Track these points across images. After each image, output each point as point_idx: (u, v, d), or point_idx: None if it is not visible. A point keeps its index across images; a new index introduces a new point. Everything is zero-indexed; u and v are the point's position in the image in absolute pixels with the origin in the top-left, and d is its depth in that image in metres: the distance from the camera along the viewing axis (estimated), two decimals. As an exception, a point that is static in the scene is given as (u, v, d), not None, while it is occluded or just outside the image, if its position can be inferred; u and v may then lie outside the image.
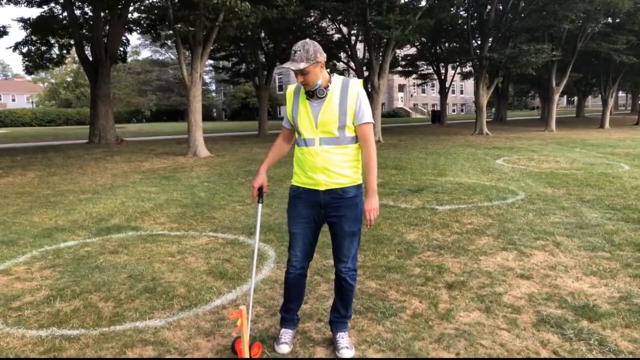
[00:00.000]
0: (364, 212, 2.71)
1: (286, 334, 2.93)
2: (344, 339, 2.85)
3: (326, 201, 2.70)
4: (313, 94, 2.63)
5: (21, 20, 19.24)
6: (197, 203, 7.41)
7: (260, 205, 2.89)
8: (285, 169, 11.03)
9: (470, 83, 60.42)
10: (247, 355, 2.67)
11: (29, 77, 54.59)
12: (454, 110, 72.03)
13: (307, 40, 2.57)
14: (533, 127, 29.50)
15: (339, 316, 2.91)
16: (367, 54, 22.44)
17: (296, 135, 2.76)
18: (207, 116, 54.17)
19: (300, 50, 2.52)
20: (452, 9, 25.41)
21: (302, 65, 2.51)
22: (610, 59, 25.60)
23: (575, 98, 54.59)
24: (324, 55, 2.63)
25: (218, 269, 4.30)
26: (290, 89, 2.78)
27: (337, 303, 2.92)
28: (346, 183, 2.68)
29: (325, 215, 2.75)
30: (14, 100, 73.57)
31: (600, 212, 6.26)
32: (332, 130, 2.62)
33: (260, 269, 4.31)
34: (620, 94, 67.05)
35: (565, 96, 73.12)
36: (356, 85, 2.66)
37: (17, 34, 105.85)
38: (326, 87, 2.63)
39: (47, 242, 5.34)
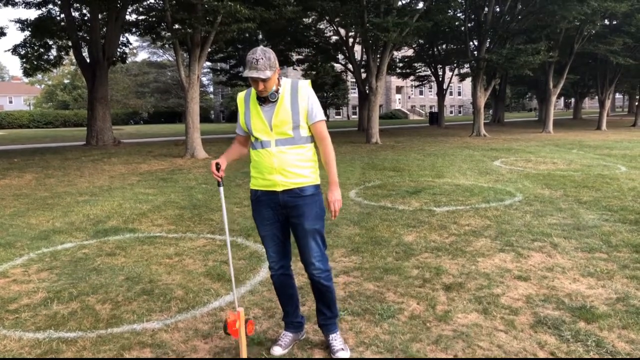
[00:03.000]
0: (328, 204, 2.73)
1: (285, 337, 2.92)
2: (337, 341, 2.85)
3: (285, 201, 2.70)
4: (265, 99, 2.65)
5: (19, 21, 19.20)
6: (195, 205, 7.41)
7: (221, 188, 2.79)
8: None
9: (467, 85, 60.60)
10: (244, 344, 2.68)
11: (26, 79, 54.47)
12: (451, 112, 72.16)
13: (263, 47, 2.58)
14: (530, 129, 29.56)
15: (326, 317, 2.89)
16: (364, 56, 22.50)
17: (252, 139, 2.74)
18: (204, 118, 54.21)
19: (262, 59, 2.51)
20: (449, 11, 25.47)
21: (268, 73, 2.52)
22: (607, 61, 25.66)
23: (573, 100, 54.72)
24: None
25: (215, 270, 4.30)
26: (241, 96, 2.79)
27: (319, 305, 2.89)
28: (304, 183, 2.71)
29: (286, 216, 2.75)
30: (11, 102, 73.40)
31: (597, 213, 6.27)
32: (286, 131, 2.65)
33: (257, 270, 4.31)
34: (618, 95, 67.26)
35: (562, 98, 73.30)
36: (305, 86, 2.71)
37: (14, 35, 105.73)
38: (277, 91, 2.65)
39: (45, 244, 5.33)
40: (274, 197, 2.71)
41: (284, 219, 2.77)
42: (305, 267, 2.80)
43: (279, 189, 2.69)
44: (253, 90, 2.68)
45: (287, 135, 2.66)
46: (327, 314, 2.88)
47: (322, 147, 2.77)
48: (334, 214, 2.73)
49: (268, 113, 2.66)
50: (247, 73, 2.54)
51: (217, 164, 2.71)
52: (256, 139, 2.70)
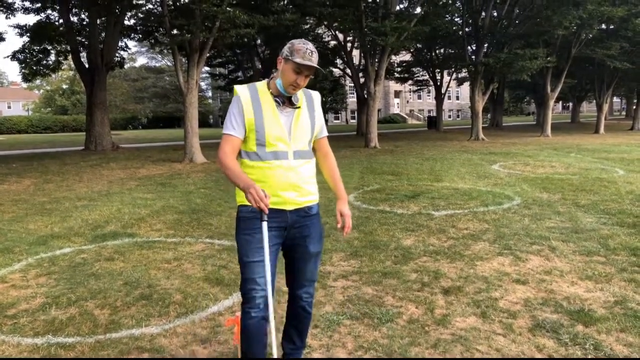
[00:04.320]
0: (344, 218, 2.58)
1: None
2: None
3: (293, 221, 2.38)
4: (284, 100, 2.34)
5: (17, 26, 19.24)
6: (194, 209, 7.41)
7: (265, 224, 2.21)
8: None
9: (466, 89, 60.70)
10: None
11: (24, 85, 54.56)
12: (450, 116, 72.30)
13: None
14: (529, 133, 29.63)
15: (295, 347, 2.64)
16: (363, 61, 22.55)
17: (254, 147, 2.32)
18: (203, 123, 54.18)
19: (315, 52, 2.29)
20: (447, 15, 25.58)
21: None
22: (604, 65, 25.78)
23: (570, 104, 54.88)
24: None
25: (214, 275, 4.29)
26: (243, 90, 2.35)
27: (291, 332, 2.62)
28: (313, 200, 2.49)
29: (287, 237, 2.42)
30: (9, 107, 73.39)
31: (595, 216, 6.29)
32: (306, 143, 2.41)
33: (256, 275, 4.30)
34: (616, 99, 67.46)
35: (560, 102, 73.50)
36: (318, 97, 2.54)
37: (13, 40, 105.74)
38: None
39: (43, 249, 5.33)
40: (280, 217, 2.35)
41: (282, 242, 2.43)
42: (295, 288, 2.56)
43: (289, 207, 2.37)
44: (261, 87, 2.35)
45: (305, 148, 2.41)
46: (297, 344, 2.63)
47: (329, 162, 2.64)
48: (348, 229, 2.59)
49: (287, 118, 2.34)
50: (302, 61, 2.22)
51: (263, 190, 2.14)
52: (263, 146, 2.31)
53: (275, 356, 2.20)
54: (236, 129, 2.31)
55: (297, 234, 2.43)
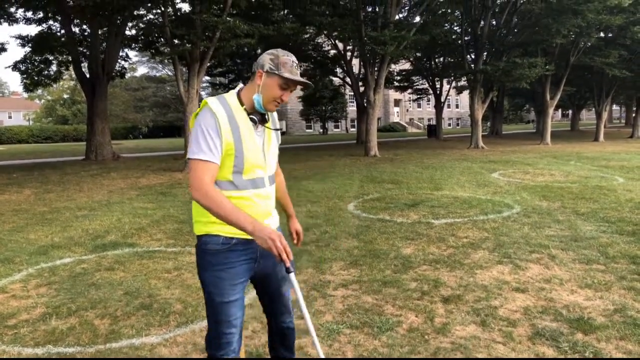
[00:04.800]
0: (297, 234, 2.46)
1: None
2: None
3: (263, 250, 2.00)
4: (260, 119, 2.10)
5: (19, 37, 19.38)
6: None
7: (293, 275, 1.99)
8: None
9: (465, 97, 60.90)
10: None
11: (25, 95, 54.77)
12: (449, 125, 72.45)
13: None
14: (528, 141, 29.68)
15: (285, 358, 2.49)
16: (362, 69, 22.65)
17: (226, 175, 2.03)
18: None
19: (298, 65, 2.11)
20: (446, 25, 25.74)
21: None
22: (603, 73, 25.89)
23: (570, 111, 55.02)
24: None
25: (214, 284, 4.30)
26: (218, 106, 2.01)
27: (277, 347, 2.46)
28: (277, 223, 2.30)
29: (257, 268, 2.18)
30: (10, 117, 73.63)
31: (594, 224, 6.29)
32: (275, 165, 2.26)
33: (256, 284, 4.31)
34: (615, 107, 67.64)
35: (560, 110, 73.68)
36: (275, 111, 2.24)
37: (15, 50, 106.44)
38: None
39: (43, 259, 5.34)
40: (252, 247, 2.08)
41: (252, 275, 2.19)
42: (277, 318, 2.37)
43: None
44: (233, 103, 2.04)
45: (273, 171, 2.23)
46: (287, 355, 2.49)
47: (280, 179, 2.49)
48: (300, 244, 2.50)
49: (260, 139, 2.11)
50: (292, 76, 2.02)
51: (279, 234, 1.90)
52: (242, 175, 2.05)
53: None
54: (214, 153, 1.94)
55: (269, 262, 2.18)
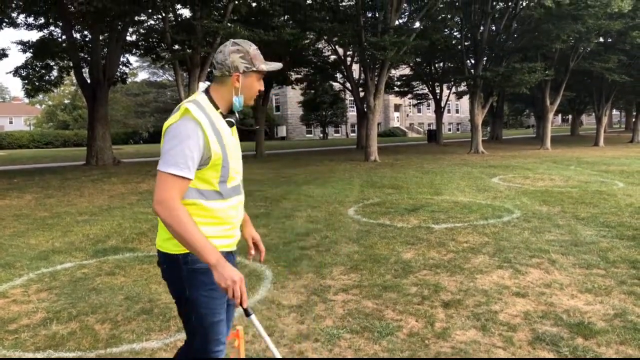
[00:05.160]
0: (255, 242, 2.30)
1: None
2: None
3: (232, 262, 2.02)
4: (235, 120, 1.99)
5: (20, 43, 19.46)
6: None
7: (253, 316, 1.92)
8: (281, 189, 11.07)
9: (465, 102, 61.02)
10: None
11: (26, 100, 54.84)
12: (449, 129, 72.54)
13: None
14: (528, 146, 29.70)
15: None
16: (362, 75, 22.71)
17: (213, 185, 1.90)
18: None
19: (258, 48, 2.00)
20: (445, 30, 25.83)
21: None
22: (603, 78, 25.94)
23: (570, 116, 55.09)
24: None
25: (215, 289, 4.30)
26: (201, 114, 1.84)
27: None
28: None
29: None
30: (11, 122, 73.76)
31: (594, 229, 6.30)
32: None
33: (256, 289, 4.32)
34: (615, 112, 67.74)
35: (560, 114, 73.79)
36: None
37: (16, 56, 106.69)
38: None
39: (44, 264, 5.34)
40: (230, 259, 2.00)
41: None
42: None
43: (235, 247, 2.10)
44: (209, 108, 1.89)
45: None
46: None
47: None
48: (263, 257, 2.36)
49: (236, 142, 2.01)
50: (270, 66, 1.98)
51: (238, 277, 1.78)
52: (227, 183, 1.95)
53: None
54: (191, 169, 1.80)
55: None
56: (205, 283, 1.90)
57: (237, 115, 2.01)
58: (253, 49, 1.95)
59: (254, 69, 1.93)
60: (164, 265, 1.98)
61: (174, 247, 1.91)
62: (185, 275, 1.92)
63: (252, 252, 2.26)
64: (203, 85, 2.02)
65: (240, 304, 1.79)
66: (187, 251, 1.86)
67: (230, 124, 1.96)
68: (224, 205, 1.93)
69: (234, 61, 1.91)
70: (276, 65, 2.00)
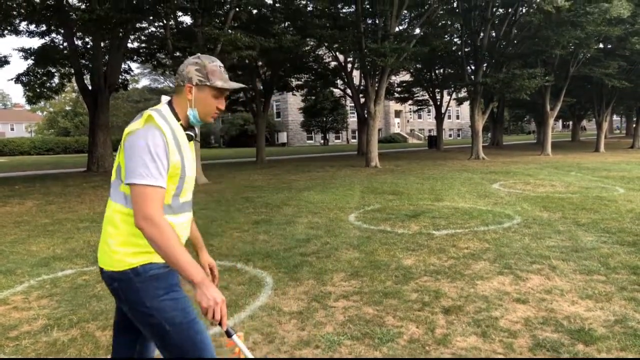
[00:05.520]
0: (212, 268, 2.29)
1: None
2: None
3: (178, 280, 1.99)
4: (194, 134, 1.99)
5: (22, 50, 19.55)
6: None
7: (236, 336, 1.91)
8: (282, 195, 11.08)
9: (465, 108, 61.12)
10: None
11: (28, 107, 55.01)
12: (450, 135, 72.59)
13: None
14: (529, 151, 29.72)
15: None
16: (363, 81, 22.77)
17: (167, 199, 1.85)
18: (205, 143, 54.52)
19: (223, 67, 1.98)
20: (445, 36, 25.93)
21: None
22: (603, 84, 25.99)
23: (571, 122, 55.14)
24: None
25: (216, 296, 4.30)
26: (164, 122, 1.82)
27: None
28: None
29: None
30: (12, 129, 73.97)
31: (595, 235, 6.30)
32: None
33: (257, 295, 4.32)
34: (615, 117, 67.79)
35: (560, 120, 73.86)
36: None
37: (17, 63, 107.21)
38: None
39: (45, 271, 5.35)
40: (178, 277, 1.95)
41: None
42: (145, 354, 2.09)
43: None
44: (171, 118, 1.87)
45: None
46: None
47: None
48: (217, 280, 2.34)
49: (193, 156, 2.00)
50: (226, 84, 1.92)
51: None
52: (180, 197, 1.91)
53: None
54: (164, 177, 1.77)
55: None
56: (162, 288, 1.85)
57: (197, 130, 2.00)
58: (213, 64, 1.90)
59: (208, 83, 1.89)
60: (115, 283, 1.86)
61: (119, 264, 1.83)
62: (140, 287, 1.83)
63: (210, 278, 2.18)
64: (166, 97, 1.99)
65: (220, 325, 1.77)
66: (134, 265, 1.82)
67: (189, 137, 1.94)
68: (174, 221, 1.87)
69: (189, 72, 1.89)
70: (233, 85, 1.94)
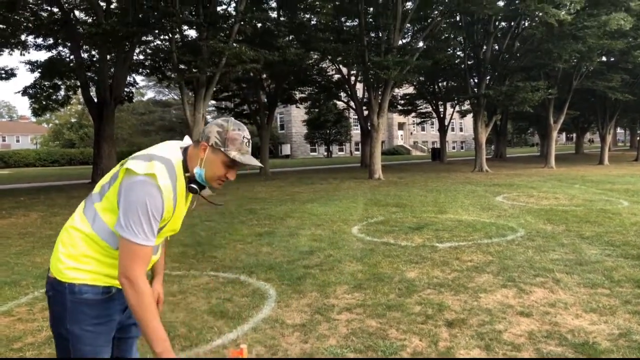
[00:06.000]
0: (159, 304, 2.25)
1: None
2: None
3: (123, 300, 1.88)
4: (199, 189, 1.93)
5: (29, 63, 19.79)
6: (198, 242, 7.45)
7: None
8: (285, 207, 11.10)
9: (469, 120, 61.21)
10: None
11: (34, 119, 55.46)
12: (453, 148, 72.65)
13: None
14: (532, 164, 29.69)
15: None
16: (366, 94, 22.89)
17: None
18: (209, 155, 54.61)
19: (250, 140, 1.89)
20: (449, 49, 26.07)
21: None
22: (606, 97, 26.03)
23: (574, 135, 55.12)
24: None
25: (219, 308, 4.31)
26: (166, 179, 1.77)
27: None
28: None
29: (120, 321, 1.97)
30: (18, 141, 74.50)
31: (599, 248, 6.28)
32: None
33: (260, 308, 4.32)
34: (619, 130, 67.74)
35: (564, 133, 73.88)
36: None
37: (23, 75, 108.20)
38: None
39: (49, 282, 5.36)
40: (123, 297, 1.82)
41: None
42: None
43: None
44: (178, 169, 1.84)
45: None
46: None
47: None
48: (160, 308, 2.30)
49: (185, 204, 1.99)
50: (241, 158, 1.83)
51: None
52: (156, 242, 1.88)
53: None
54: (155, 235, 1.78)
55: (129, 313, 1.92)
56: (90, 316, 1.81)
57: (203, 185, 1.91)
58: (236, 132, 1.83)
59: (222, 149, 1.81)
60: (50, 292, 1.85)
61: (62, 275, 1.81)
62: (70, 307, 1.80)
63: None
64: (187, 141, 1.98)
65: None
66: (75, 281, 1.80)
67: (193, 191, 1.89)
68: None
69: (211, 131, 1.84)
70: (248, 161, 1.84)
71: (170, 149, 1.87)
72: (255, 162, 1.86)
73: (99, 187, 1.90)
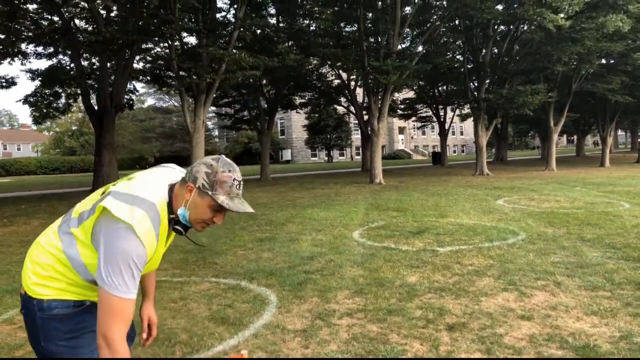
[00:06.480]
0: (150, 324, 2.23)
1: None
2: None
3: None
4: (184, 230, 1.81)
5: (29, 71, 19.85)
6: (199, 249, 7.45)
7: None
8: (286, 212, 11.10)
9: (469, 124, 61.24)
10: None
11: (34, 127, 55.59)
12: (454, 151, 72.68)
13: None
14: (533, 167, 29.68)
15: None
16: (366, 98, 22.93)
17: None
18: (210, 161, 54.65)
19: (242, 182, 1.79)
20: (448, 53, 26.14)
21: None
22: (606, 99, 26.05)
23: (575, 137, 55.12)
24: None
25: (220, 314, 4.32)
26: (151, 236, 1.68)
27: None
28: None
29: None
30: (19, 149, 74.66)
31: (600, 251, 6.28)
32: None
33: (261, 313, 4.32)
34: (620, 132, 67.75)
35: (565, 135, 73.87)
36: None
37: (24, 84, 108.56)
38: None
39: (51, 290, 5.36)
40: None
41: None
42: None
43: None
44: (163, 213, 1.73)
45: None
46: None
47: None
48: (152, 339, 2.27)
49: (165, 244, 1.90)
50: (230, 204, 1.72)
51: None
52: None
53: None
54: (137, 286, 1.66)
55: None
56: (64, 332, 1.73)
57: (188, 226, 1.79)
58: (225, 174, 1.70)
59: (210, 193, 1.69)
60: (22, 309, 1.80)
61: (33, 291, 1.76)
62: (40, 324, 1.74)
63: (145, 335, 2.08)
64: (178, 173, 1.90)
65: None
66: (43, 297, 1.74)
67: (178, 232, 1.79)
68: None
69: (199, 171, 1.71)
70: (235, 208, 1.72)
71: (157, 187, 1.76)
72: (246, 209, 1.74)
73: (77, 214, 1.82)
